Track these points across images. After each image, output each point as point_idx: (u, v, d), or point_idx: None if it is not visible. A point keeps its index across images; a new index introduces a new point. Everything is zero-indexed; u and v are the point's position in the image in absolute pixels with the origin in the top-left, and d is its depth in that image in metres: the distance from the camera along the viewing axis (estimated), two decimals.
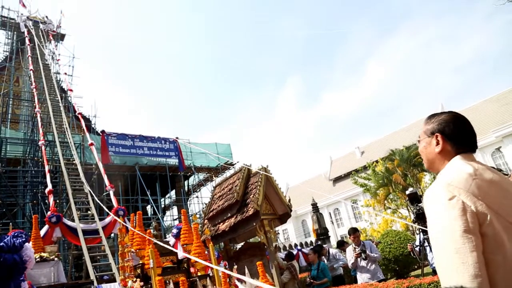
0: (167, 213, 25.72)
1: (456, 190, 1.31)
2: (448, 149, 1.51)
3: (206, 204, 8.71)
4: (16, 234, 2.89)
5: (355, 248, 6.67)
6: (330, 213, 41.52)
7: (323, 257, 9.09)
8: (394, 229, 14.05)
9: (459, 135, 1.52)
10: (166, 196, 25.13)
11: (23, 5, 24.45)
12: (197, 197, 23.58)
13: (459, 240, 1.25)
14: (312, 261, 8.08)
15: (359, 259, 6.56)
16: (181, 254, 5.60)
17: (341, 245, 10.15)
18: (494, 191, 1.33)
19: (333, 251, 9.73)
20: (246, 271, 5.70)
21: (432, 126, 1.58)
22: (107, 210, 9.38)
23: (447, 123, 1.54)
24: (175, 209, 24.52)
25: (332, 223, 38.56)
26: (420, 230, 5.96)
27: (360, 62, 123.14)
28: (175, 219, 23.85)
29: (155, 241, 5.16)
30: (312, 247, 11.46)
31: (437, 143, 1.54)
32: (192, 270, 5.92)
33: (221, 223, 7.49)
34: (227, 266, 7.53)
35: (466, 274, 1.21)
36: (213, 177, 23.35)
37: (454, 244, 1.25)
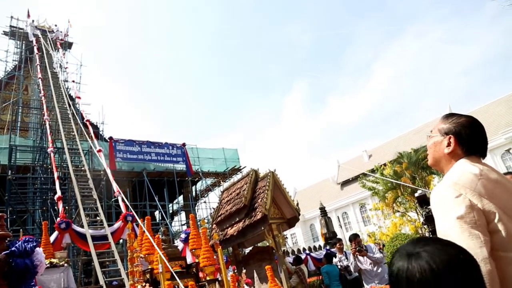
0: (175, 218, 25.80)
1: (463, 189, 1.32)
2: (458, 152, 1.50)
3: (214, 209, 8.71)
4: (27, 239, 2.92)
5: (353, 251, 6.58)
6: (338, 217, 41.29)
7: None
8: (403, 233, 13.91)
9: (473, 141, 1.50)
10: (174, 202, 25.22)
11: (29, 15, 24.83)
12: (205, 202, 23.69)
13: (467, 236, 1.24)
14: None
15: (359, 257, 6.49)
16: (189, 259, 5.62)
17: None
18: (499, 191, 1.33)
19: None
20: (255, 275, 5.69)
21: (448, 126, 1.55)
22: (109, 222, 9.42)
23: (464, 127, 1.51)
24: (183, 214, 24.56)
25: (341, 227, 38.28)
26: (430, 232, 5.91)
27: (366, 66, 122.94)
28: (183, 224, 23.89)
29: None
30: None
31: (449, 144, 1.52)
32: (201, 274, 5.92)
33: (229, 228, 7.48)
34: (235, 271, 7.52)
35: None
36: (221, 182, 23.38)
37: (463, 240, 1.24)
